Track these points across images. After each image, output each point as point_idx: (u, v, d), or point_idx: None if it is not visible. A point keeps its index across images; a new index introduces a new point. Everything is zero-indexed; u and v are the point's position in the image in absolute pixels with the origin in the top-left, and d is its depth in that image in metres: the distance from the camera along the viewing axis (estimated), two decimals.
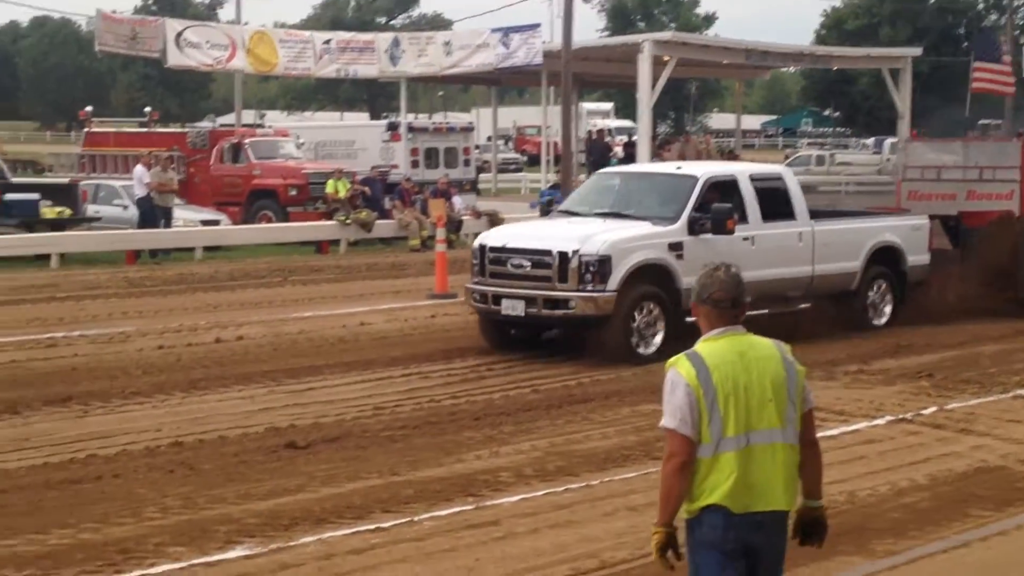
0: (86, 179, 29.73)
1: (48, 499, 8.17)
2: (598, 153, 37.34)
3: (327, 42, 34.15)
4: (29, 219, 24.55)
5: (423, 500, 8.22)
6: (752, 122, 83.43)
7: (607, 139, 45.44)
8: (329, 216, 26.70)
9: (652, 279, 13.57)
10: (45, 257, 22.42)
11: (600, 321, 13.36)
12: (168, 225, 25.39)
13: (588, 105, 59.82)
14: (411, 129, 37.11)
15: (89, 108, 35.43)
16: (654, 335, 13.50)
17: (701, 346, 4.66)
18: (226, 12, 64.75)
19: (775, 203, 14.82)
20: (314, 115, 75.45)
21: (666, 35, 39.29)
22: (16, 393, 11.34)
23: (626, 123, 60.12)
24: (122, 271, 21.57)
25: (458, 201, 28.30)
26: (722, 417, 4.55)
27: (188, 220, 26.68)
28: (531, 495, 8.44)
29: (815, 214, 16.30)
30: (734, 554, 4.56)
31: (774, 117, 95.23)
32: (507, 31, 34.56)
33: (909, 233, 16.33)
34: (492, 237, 14.62)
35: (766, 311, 13.25)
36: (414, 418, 10.69)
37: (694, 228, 13.70)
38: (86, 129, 35.05)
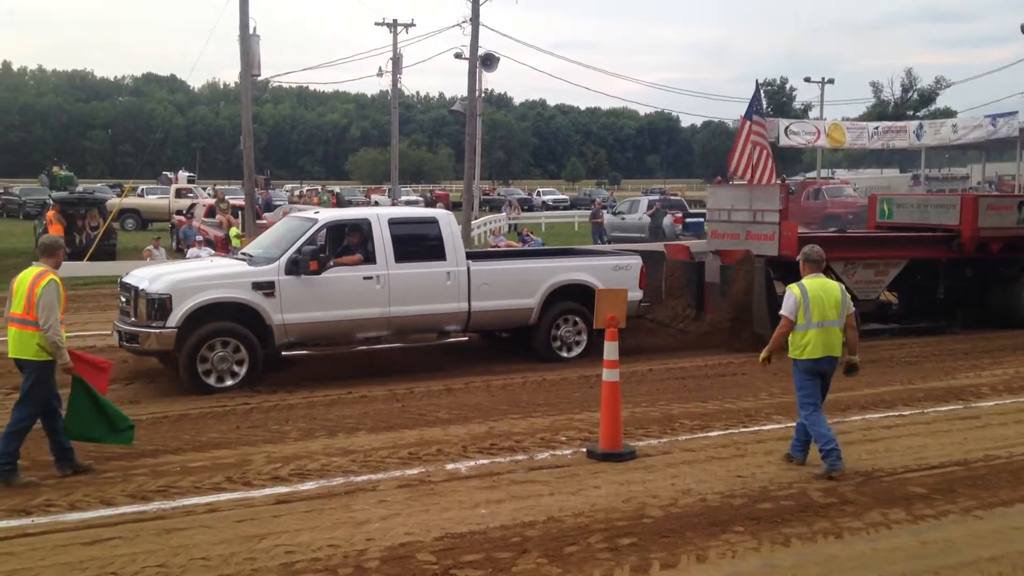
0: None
1: None
2: None
3: (876, 128, 49.05)
4: (699, 232, 31.37)
5: None
6: None
7: None
8: None
9: (232, 316, 12.54)
10: None
11: (168, 355, 12.50)
12: None
13: None
14: (927, 178, 50.67)
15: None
16: (237, 368, 12.43)
17: (804, 280, 8.72)
18: (814, 112, 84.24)
19: (421, 246, 13.82)
20: (861, 172, 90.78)
21: None
22: None
23: None
24: None
25: None
26: (811, 311, 8.51)
27: None
28: None
29: (486, 256, 15.79)
30: (816, 375, 8.68)
31: None
32: (995, 117, 46.73)
33: (609, 272, 14.91)
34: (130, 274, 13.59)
35: (399, 344, 13.53)
36: None
37: (295, 268, 12.87)
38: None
